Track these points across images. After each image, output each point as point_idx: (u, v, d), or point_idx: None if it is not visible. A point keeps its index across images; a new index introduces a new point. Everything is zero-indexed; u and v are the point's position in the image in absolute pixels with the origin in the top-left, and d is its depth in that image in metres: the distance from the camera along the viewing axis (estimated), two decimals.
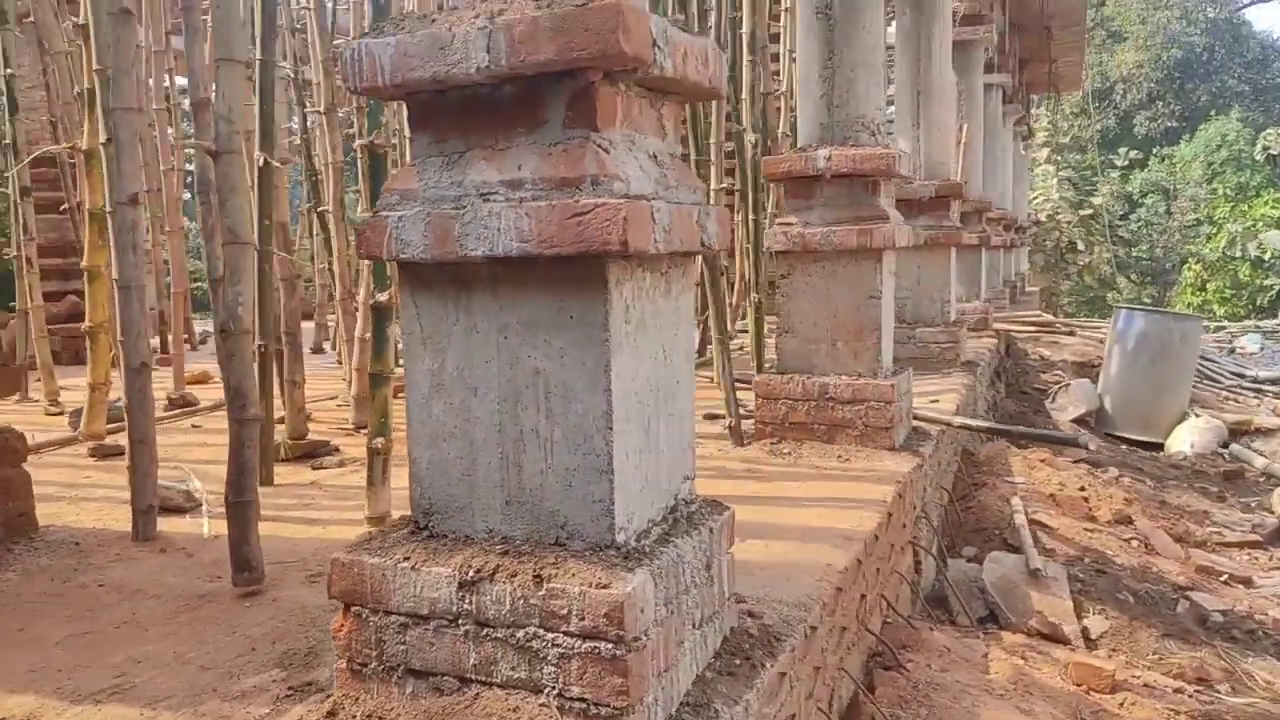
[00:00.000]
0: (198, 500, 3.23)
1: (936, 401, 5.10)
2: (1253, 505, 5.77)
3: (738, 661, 1.83)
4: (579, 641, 1.47)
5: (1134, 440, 7.63)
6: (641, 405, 1.62)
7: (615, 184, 1.46)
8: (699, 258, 3.55)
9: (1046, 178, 24.47)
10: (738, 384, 4.11)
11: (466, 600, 1.54)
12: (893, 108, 6.45)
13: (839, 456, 3.73)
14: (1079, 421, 7.78)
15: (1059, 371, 9.13)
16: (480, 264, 1.55)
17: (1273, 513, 5.59)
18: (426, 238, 1.54)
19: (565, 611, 1.47)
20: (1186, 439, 7.37)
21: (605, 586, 1.46)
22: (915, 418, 4.39)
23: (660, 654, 1.55)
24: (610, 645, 1.45)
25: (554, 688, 1.49)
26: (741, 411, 4.05)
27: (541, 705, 1.50)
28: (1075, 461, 5.77)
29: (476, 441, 1.61)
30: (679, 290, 1.77)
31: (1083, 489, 5.01)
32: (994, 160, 11.45)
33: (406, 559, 1.59)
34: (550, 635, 1.49)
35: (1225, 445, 7.55)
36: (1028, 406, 8.26)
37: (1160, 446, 7.52)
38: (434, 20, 1.53)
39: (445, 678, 1.58)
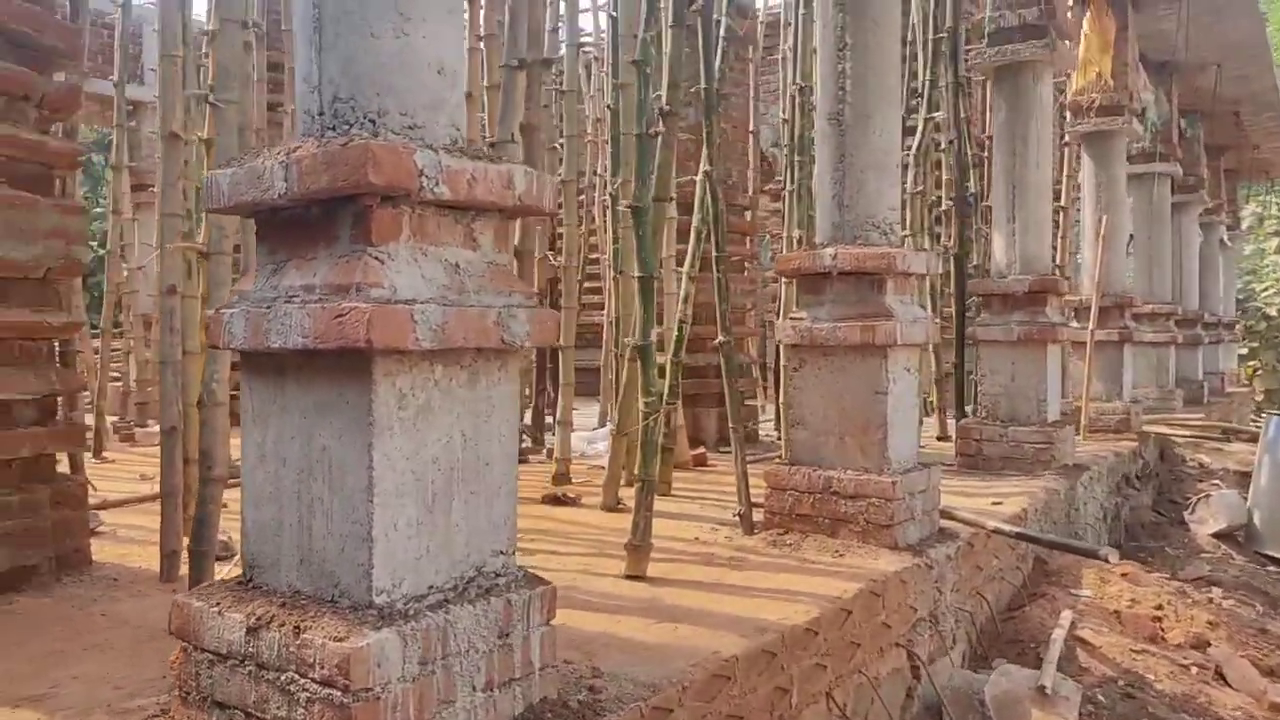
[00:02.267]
0: (233, 550, 3.67)
1: (1000, 504, 4.93)
2: None
3: None
4: (320, 688, 1.68)
5: None
6: (422, 483, 1.83)
7: (375, 290, 1.71)
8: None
9: (1277, 268, 22.46)
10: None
11: (251, 644, 1.79)
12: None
13: (836, 552, 3.72)
14: (1221, 536, 7.10)
15: (1217, 481, 8.37)
16: (289, 354, 1.84)
17: None
18: (246, 331, 1.85)
19: (313, 660, 1.69)
20: None
21: (341, 640, 1.67)
22: (950, 518, 4.29)
23: (407, 708, 1.73)
24: (339, 693, 1.65)
25: None
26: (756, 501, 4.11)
27: None
28: (1172, 578, 5.31)
29: (283, 506, 1.88)
30: (492, 382, 1.98)
31: (1159, 607, 4.63)
32: (1158, 253, 10.78)
33: (217, 604, 1.87)
34: (302, 680, 1.71)
35: None
36: (1170, 517, 7.65)
37: None
38: (260, 155, 1.86)
39: (236, 710, 1.82)
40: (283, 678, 1.74)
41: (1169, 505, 7.98)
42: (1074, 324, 8.47)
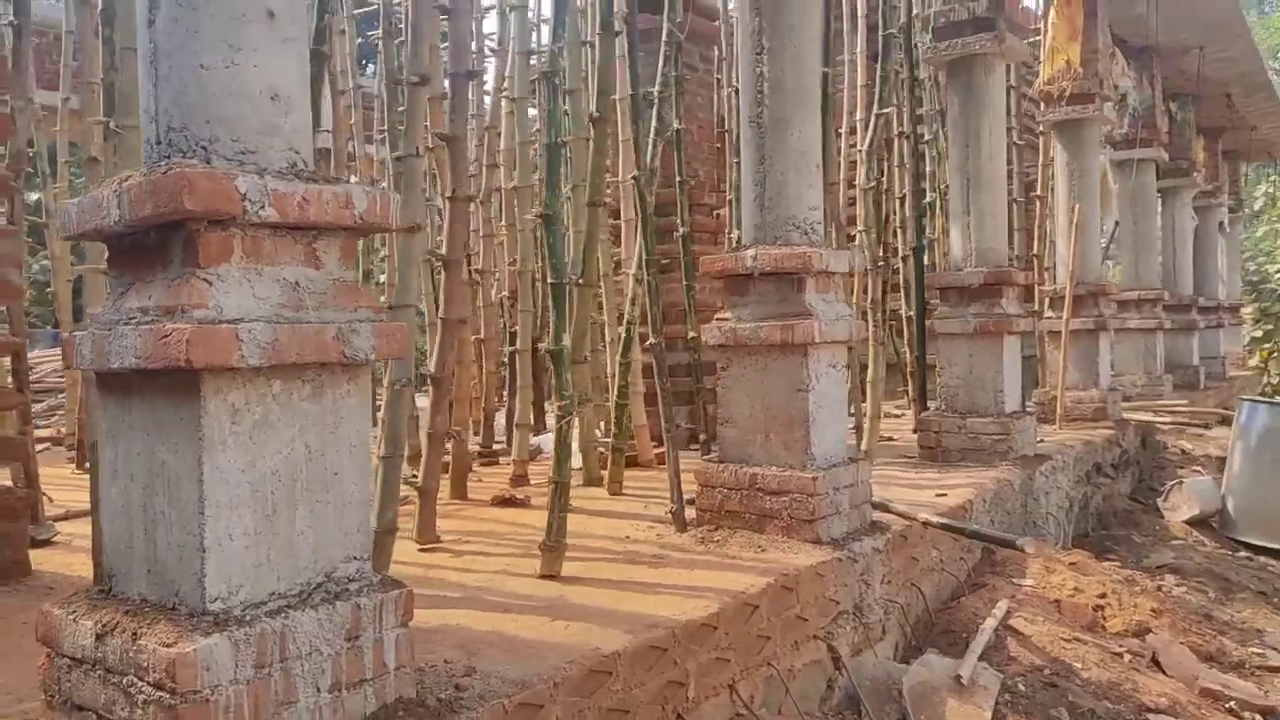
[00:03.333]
0: None
1: (944, 496, 4.97)
2: None
3: None
4: (154, 690, 1.77)
5: (1257, 546, 6.87)
6: (260, 494, 1.91)
7: (198, 311, 1.79)
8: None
9: None
10: None
11: (99, 649, 1.88)
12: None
13: (759, 547, 3.78)
14: (1194, 523, 7.10)
15: (1198, 467, 8.35)
16: (132, 374, 1.92)
17: None
18: (91, 353, 1.94)
19: (147, 664, 1.78)
20: None
21: (170, 645, 1.75)
22: (886, 510, 4.34)
23: (241, 709, 1.81)
24: (168, 695, 1.74)
25: None
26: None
27: None
28: (1125, 566, 5.33)
29: (133, 519, 1.97)
30: (339, 395, 2.05)
31: (1103, 596, 4.65)
32: (1144, 239, 10.73)
33: (74, 612, 1.96)
34: (140, 683, 1.80)
35: None
36: (1146, 504, 7.65)
37: None
38: (103, 184, 1.94)
39: (90, 713, 1.91)
40: (125, 681, 1.82)
41: (1148, 493, 7.98)
42: (1049, 314, 8.48)
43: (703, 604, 3.04)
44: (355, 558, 2.10)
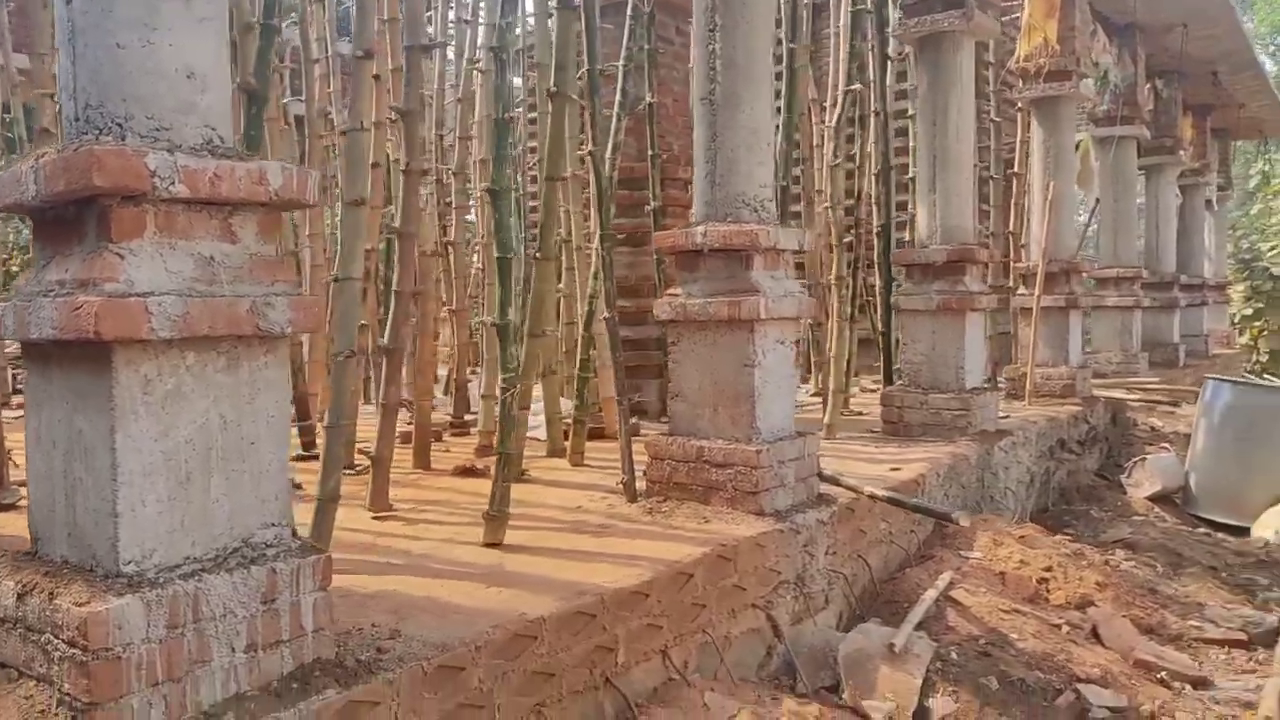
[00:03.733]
0: None
1: (898, 470, 5.06)
2: None
3: (295, 686, 2.13)
4: (68, 648, 1.85)
5: (1218, 523, 6.98)
6: (174, 462, 1.98)
7: (109, 285, 1.86)
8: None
9: None
10: None
11: (20, 608, 1.96)
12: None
13: (704, 518, 3.87)
14: (1157, 499, 7.20)
15: (1166, 444, 8.45)
16: (50, 345, 1.99)
17: None
18: (14, 323, 2.00)
19: (62, 623, 1.86)
20: (1273, 525, 6.66)
21: (83, 605, 1.83)
22: (835, 483, 4.43)
23: (154, 666, 1.89)
24: (80, 653, 1.82)
25: (59, 684, 1.88)
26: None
27: (50, 697, 1.89)
28: (1078, 540, 5.43)
29: (55, 485, 2.04)
30: (256, 367, 2.12)
31: (1049, 569, 4.75)
32: (1123, 216, 10.77)
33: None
34: (56, 640, 1.88)
35: None
36: (1111, 480, 7.75)
37: (1248, 531, 6.83)
38: (24, 160, 2.00)
39: (10, 669, 2.00)
40: (43, 639, 1.91)
41: (1115, 469, 8.08)
42: (1023, 290, 8.54)
43: (635, 572, 3.13)
44: (273, 524, 2.18)
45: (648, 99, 5.65)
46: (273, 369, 2.16)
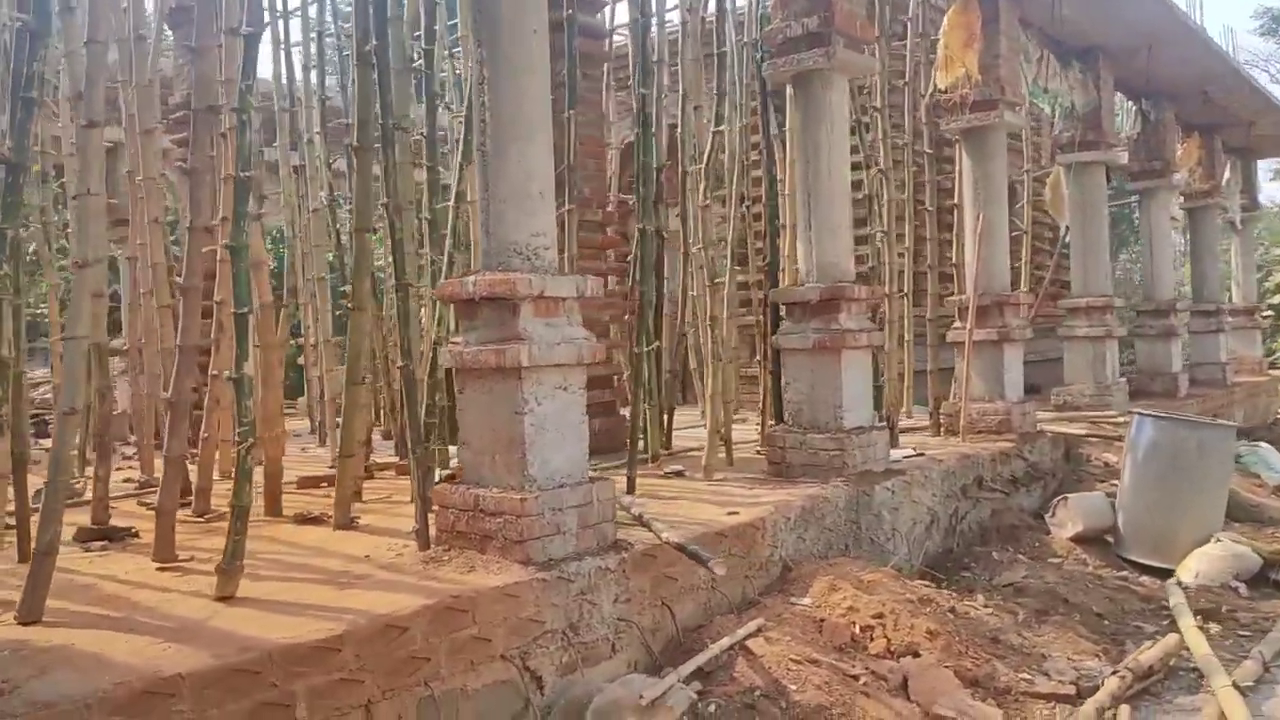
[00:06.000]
0: None
1: (736, 514, 4.99)
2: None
3: None
4: None
5: (1146, 565, 6.69)
6: None
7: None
8: None
9: None
10: None
11: None
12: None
13: (471, 568, 3.86)
14: (1083, 540, 6.93)
15: (1116, 481, 8.13)
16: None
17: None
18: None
19: None
20: (1194, 567, 6.36)
21: None
22: (648, 528, 4.39)
23: None
24: None
25: None
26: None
27: None
28: (964, 584, 5.25)
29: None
30: None
31: (879, 615, 4.58)
32: (1092, 243, 10.45)
33: None
34: None
35: (1265, 576, 6.44)
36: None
37: (1173, 574, 6.52)
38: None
39: None
40: None
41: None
42: (957, 324, 8.36)
43: (327, 625, 3.14)
44: None
45: None
46: None
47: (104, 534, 4.68)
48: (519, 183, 4.01)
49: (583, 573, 3.95)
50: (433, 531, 4.22)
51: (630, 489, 5.58)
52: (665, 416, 6.77)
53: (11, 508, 4.13)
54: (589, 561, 4.00)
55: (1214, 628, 5.49)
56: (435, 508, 4.20)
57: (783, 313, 6.32)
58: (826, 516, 5.47)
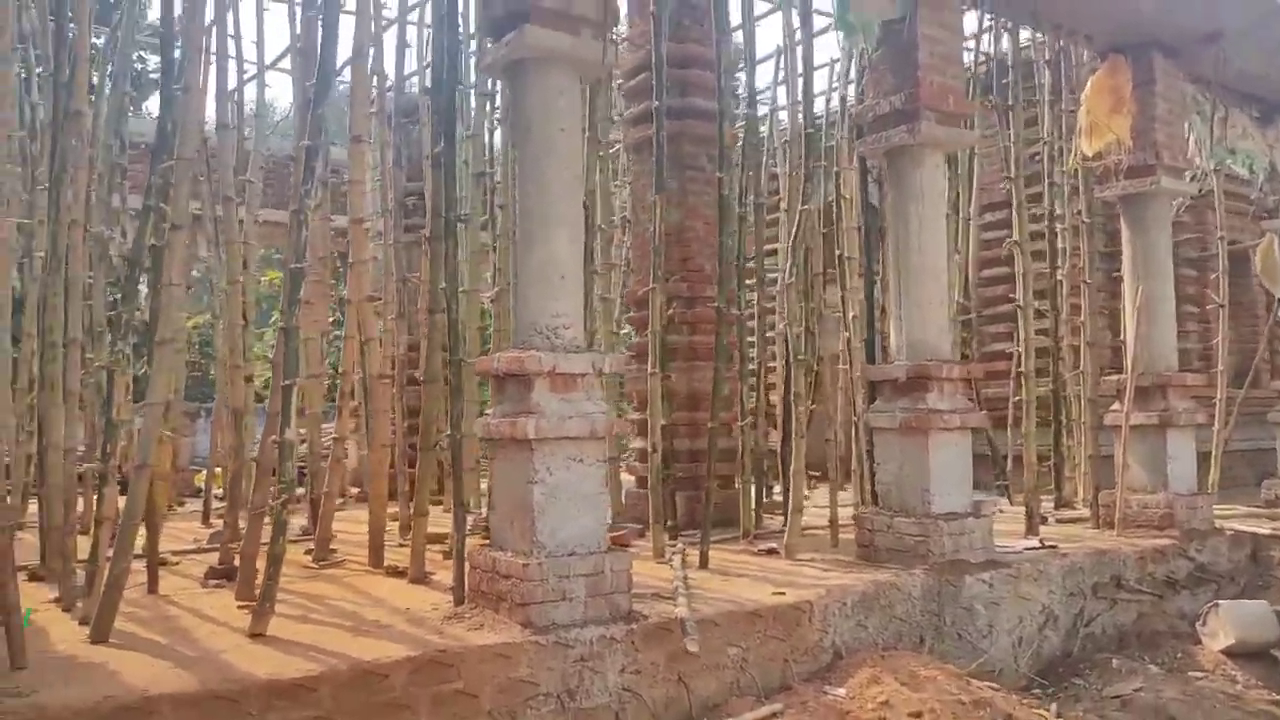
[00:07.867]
0: None
1: (781, 594, 4.93)
2: None
3: None
4: None
5: None
6: None
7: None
8: None
9: None
10: None
11: None
12: None
13: (480, 625, 4.14)
14: (1237, 654, 6.12)
15: None
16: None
17: None
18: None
19: None
20: None
21: None
22: (671, 601, 4.49)
23: None
24: None
25: None
26: None
27: None
28: (1038, 691, 4.85)
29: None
30: None
31: (917, 715, 4.34)
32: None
33: None
34: None
35: None
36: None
37: None
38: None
39: None
40: None
41: None
42: (1115, 406, 7.71)
43: (310, 666, 3.52)
44: None
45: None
46: None
47: (225, 573, 5.40)
48: (541, 269, 4.35)
49: (584, 639, 4.10)
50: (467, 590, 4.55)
51: (703, 564, 5.68)
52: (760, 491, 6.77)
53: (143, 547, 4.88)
54: (592, 629, 4.15)
55: None
56: (469, 568, 4.53)
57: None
58: (896, 605, 5.26)
